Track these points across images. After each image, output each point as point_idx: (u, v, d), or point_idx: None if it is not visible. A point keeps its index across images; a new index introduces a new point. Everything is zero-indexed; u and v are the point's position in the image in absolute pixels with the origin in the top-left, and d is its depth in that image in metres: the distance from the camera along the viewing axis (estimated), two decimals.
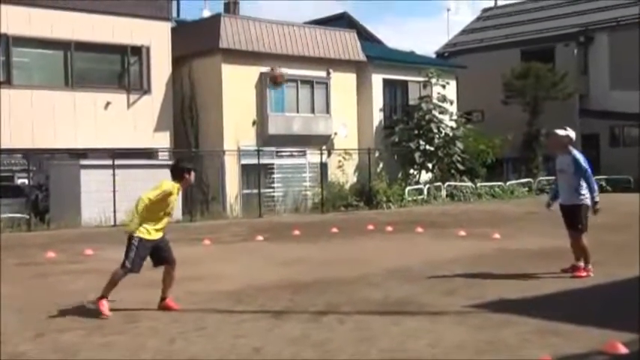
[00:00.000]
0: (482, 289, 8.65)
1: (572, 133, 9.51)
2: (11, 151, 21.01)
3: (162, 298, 7.82)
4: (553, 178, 31.63)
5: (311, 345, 6.20)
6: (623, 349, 5.70)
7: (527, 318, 6.99)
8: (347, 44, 27.76)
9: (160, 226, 7.67)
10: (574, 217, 9.33)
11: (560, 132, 9.52)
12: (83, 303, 8.10)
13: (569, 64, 35.11)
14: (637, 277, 9.27)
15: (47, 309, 8.00)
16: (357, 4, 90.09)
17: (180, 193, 8.14)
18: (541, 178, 31.31)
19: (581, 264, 9.39)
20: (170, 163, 8.40)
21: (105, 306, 7.43)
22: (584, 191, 9.26)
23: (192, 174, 7.97)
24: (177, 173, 7.82)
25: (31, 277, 10.71)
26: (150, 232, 7.56)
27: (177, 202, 7.98)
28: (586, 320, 6.80)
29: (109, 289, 7.54)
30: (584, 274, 9.25)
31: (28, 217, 19.58)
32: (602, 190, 28.44)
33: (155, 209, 7.56)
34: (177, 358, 5.93)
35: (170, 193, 7.62)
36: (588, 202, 9.29)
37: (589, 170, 9.28)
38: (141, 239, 7.51)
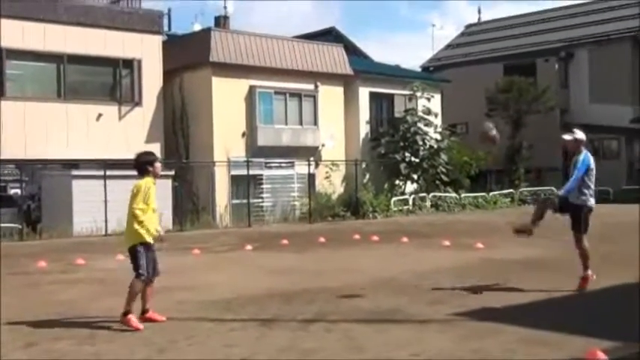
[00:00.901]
0: (466, 298, 8.64)
1: (579, 135, 9.51)
2: (4, 162, 20.85)
3: (143, 311, 7.47)
4: (534, 189, 31.60)
5: (299, 354, 6.16)
6: (602, 357, 5.70)
7: (511, 326, 6.98)
8: (334, 58, 27.83)
9: (152, 224, 7.45)
10: (576, 218, 9.10)
11: (567, 136, 9.58)
12: (76, 314, 8.01)
13: (551, 79, 35.37)
14: (619, 285, 9.31)
15: (39, 318, 7.92)
16: (344, 19, 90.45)
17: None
18: (523, 189, 31.46)
19: (589, 272, 9.11)
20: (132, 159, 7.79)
21: (133, 321, 7.16)
22: (586, 192, 9.09)
23: (157, 164, 7.66)
24: (142, 169, 7.53)
25: (22, 287, 10.59)
26: (147, 234, 7.37)
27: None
28: (569, 329, 6.80)
29: (130, 303, 7.24)
30: (585, 284, 8.99)
31: (20, 226, 19.43)
32: None
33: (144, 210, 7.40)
34: None
35: (149, 188, 7.38)
36: (590, 203, 9.13)
37: (582, 172, 9.05)
38: (143, 243, 7.33)
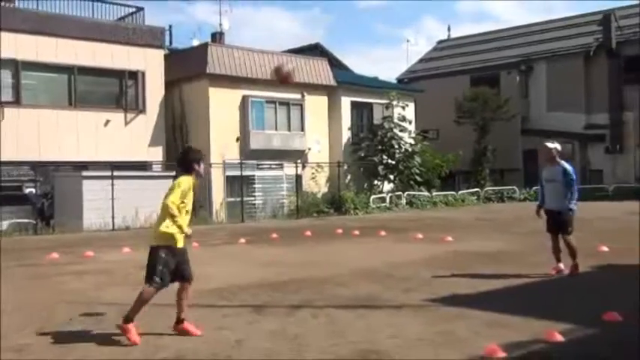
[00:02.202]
0: (437, 286, 8.64)
1: (559, 146, 9.45)
2: (20, 164, 20.69)
3: (179, 320, 6.25)
4: (498, 188, 31.87)
5: (287, 337, 6.13)
6: (559, 338, 5.74)
7: (477, 311, 6.98)
8: (319, 71, 27.80)
9: (185, 227, 6.08)
10: (564, 222, 9.29)
11: (549, 144, 9.43)
12: (86, 307, 7.91)
13: (512, 89, 35.59)
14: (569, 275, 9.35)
15: (49, 306, 7.83)
16: (328, 35, 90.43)
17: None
18: (488, 188, 31.58)
19: (561, 265, 9.39)
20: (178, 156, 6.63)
21: (132, 332, 5.94)
22: (572, 199, 9.26)
23: (202, 165, 6.38)
24: (187, 165, 6.26)
25: (35, 277, 10.48)
26: (178, 239, 6.08)
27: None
28: (529, 313, 6.82)
29: (137, 310, 6.02)
30: (577, 271, 9.27)
31: (35, 222, 19.33)
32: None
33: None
34: (166, 350, 5.80)
35: (189, 189, 6.15)
36: (575, 208, 9.34)
37: (575, 180, 9.28)
38: (170, 248, 6.02)
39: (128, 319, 5.98)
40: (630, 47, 33.88)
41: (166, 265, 6.01)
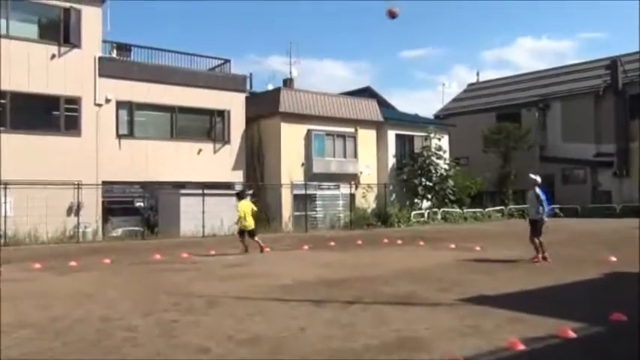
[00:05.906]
0: (466, 287, 8.47)
1: (538, 178, 11.43)
2: (132, 183, 21.39)
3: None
4: (520, 206, 31.05)
5: (341, 326, 6.12)
6: (572, 334, 5.53)
7: (500, 310, 6.80)
8: (369, 109, 27.82)
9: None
10: (535, 227, 11.21)
11: (532, 176, 11.51)
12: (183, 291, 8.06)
13: (532, 124, 34.70)
14: (583, 280, 9.01)
15: (153, 295, 8.05)
16: (377, 80, 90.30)
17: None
18: (511, 206, 30.78)
19: (540, 255, 11.13)
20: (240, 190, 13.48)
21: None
22: (540, 211, 11.16)
23: (249, 192, 11.78)
24: (243, 196, 13.00)
25: (143, 272, 10.81)
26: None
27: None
28: (544, 312, 6.60)
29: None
30: (537, 261, 11.02)
31: (142, 229, 19.88)
32: (555, 215, 28.00)
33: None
34: (245, 332, 5.89)
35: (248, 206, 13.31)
36: (544, 218, 11.23)
37: (543, 199, 11.18)
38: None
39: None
40: (634, 87, 32.60)
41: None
